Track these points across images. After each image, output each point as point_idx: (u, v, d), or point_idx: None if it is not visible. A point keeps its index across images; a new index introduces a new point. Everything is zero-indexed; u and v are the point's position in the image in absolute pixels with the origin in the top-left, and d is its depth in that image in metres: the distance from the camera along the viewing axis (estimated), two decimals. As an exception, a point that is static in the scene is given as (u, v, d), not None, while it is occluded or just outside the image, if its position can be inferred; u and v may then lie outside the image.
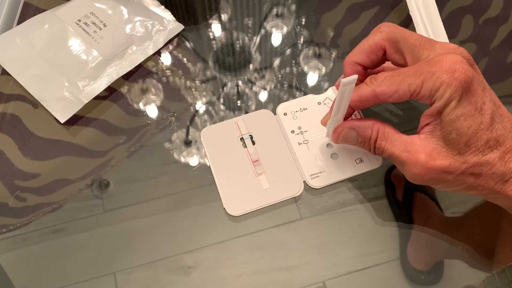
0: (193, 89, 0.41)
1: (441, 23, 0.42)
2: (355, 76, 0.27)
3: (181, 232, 0.34)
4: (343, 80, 0.27)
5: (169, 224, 0.35)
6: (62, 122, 0.38)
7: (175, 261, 0.33)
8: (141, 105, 0.40)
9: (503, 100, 0.30)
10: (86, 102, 0.38)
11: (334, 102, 0.32)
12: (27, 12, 0.44)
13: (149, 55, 0.41)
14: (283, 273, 0.33)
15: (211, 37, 0.44)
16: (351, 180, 0.36)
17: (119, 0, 0.42)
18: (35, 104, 0.39)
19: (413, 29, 0.43)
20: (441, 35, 0.42)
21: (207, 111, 0.39)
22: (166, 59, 0.42)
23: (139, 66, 0.41)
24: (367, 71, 0.34)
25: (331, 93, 0.39)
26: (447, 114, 0.27)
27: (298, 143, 0.36)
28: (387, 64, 0.35)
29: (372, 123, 0.31)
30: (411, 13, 0.43)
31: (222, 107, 0.40)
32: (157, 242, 0.34)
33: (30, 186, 0.36)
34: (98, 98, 0.39)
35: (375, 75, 0.30)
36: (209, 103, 0.40)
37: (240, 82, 0.41)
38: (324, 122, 0.35)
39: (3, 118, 0.39)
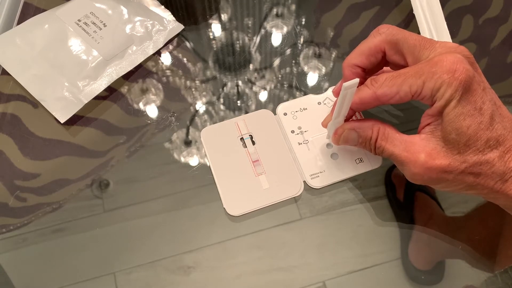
0: (193, 89, 0.41)
1: (445, 23, 0.42)
2: (357, 80, 0.27)
3: (181, 232, 0.34)
4: (345, 84, 0.27)
5: (169, 224, 0.35)
6: (62, 122, 0.38)
7: (175, 261, 0.33)
8: (141, 105, 0.40)
9: (503, 100, 0.30)
10: (86, 102, 0.38)
11: (334, 104, 0.32)
12: (27, 12, 0.44)
13: (149, 55, 0.41)
14: (283, 273, 0.33)
15: (211, 37, 0.44)
16: (351, 180, 0.36)
17: (119, 0, 0.42)
18: (35, 104, 0.39)
19: (414, 29, 0.43)
20: (444, 35, 0.42)
21: (207, 111, 0.39)
22: (166, 59, 0.42)
23: (139, 66, 0.41)
24: (365, 73, 0.34)
25: (331, 93, 0.39)
26: (447, 114, 0.27)
27: (298, 143, 0.36)
28: (387, 68, 0.35)
29: (372, 124, 0.31)
30: (414, 12, 0.43)
31: (222, 107, 0.40)
32: (157, 242, 0.34)
33: (30, 186, 0.36)
34: (98, 98, 0.39)
35: (375, 77, 0.30)
36: (209, 103, 0.40)
37: (240, 82, 0.41)
38: (325, 124, 0.35)
39: (3, 118, 0.39)
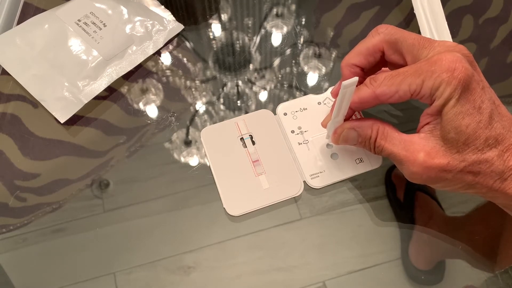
0: (193, 89, 0.41)
1: (445, 22, 0.42)
2: (356, 79, 0.27)
3: (181, 232, 0.34)
4: (344, 83, 0.27)
5: (169, 224, 0.35)
6: (62, 122, 0.38)
7: (175, 261, 0.33)
8: (141, 105, 0.40)
9: (503, 100, 0.30)
10: (86, 102, 0.38)
11: (334, 104, 0.32)
12: (27, 12, 0.44)
13: (149, 55, 0.41)
14: (283, 273, 0.33)
15: (211, 37, 0.44)
16: (351, 180, 0.36)
17: (119, 0, 0.42)
18: (35, 104, 0.39)
19: (414, 29, 0.43)
20: (445, 34, 0.42)
21: (207, 111, 0.39)
22: (166, 59, 0.42)
23: (139, 66, 0.41)
24: (364, 72, 0.34)
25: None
26: (446, 113, 0.27)
27: (298, 143, 0.36)
28: (385, 69, 0.35)
29: (372, 123, 0.31)
30: (415, 11, 0.43)
31: (222, 107, 0.40)
32: (157, 242, 0.34)
33: (30, 186, 0.36)
34: (98, 98, 0.39)
35: (374, 76, 0.30)
36: (209, 103, 0.40)
37: (240, 82, 0.41)
38: (324, 124, 0.35)
39: (3, 118, 0.39)
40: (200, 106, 0.40)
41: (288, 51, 0.43)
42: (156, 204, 0.36)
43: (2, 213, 0.35)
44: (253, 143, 0.37)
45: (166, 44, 0.42)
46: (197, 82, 0.41)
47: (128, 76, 0.41)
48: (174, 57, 0.42)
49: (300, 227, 0.35)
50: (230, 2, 0.46)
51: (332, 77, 0.41)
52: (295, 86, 0.41)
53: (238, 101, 0.40)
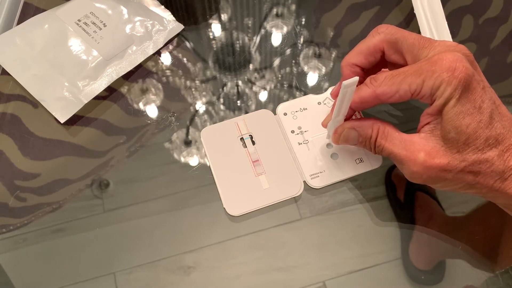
0: (193, 89, 0.41)
1: (445, 22, 0.42)
2: (356, 78, 0.27)
3: (181, 232, 0.34)
4: (344, 82, 0.27)
5: (169, 224, 0.35)
6: (62, 122, 0.38)
7: (175, 261, 0.33)
8: (141, 105, 0.40)
9: (503, 100, 0.30)
10: (86, 102, 0.38)
11: (334, 103, 0.32)
12: (27, 12, 0.44)
13: (149, 55, 0.41)
14: (283, 273, 0.33)
15: (211, 37, 0.44)
16: (351, 180, 0.36)
17: (119, 0, 0.42)
18: (35, 104, 0.39)
19: (415, 29, 0.43)
20: (445, 34, 0.42)
21: (207, 111, 0.39)
22: (166, 59, 0.42)
23: (139, 66, 0.41)
24: (364, 72, 0.34)
25: (331, 93, 0.39)
26: (446, 113, 0.27)
27: (298, 143, 0.36)
28: (385, 70, 0.35)
29: (372, 122, 0.31)
30: (415, 11, 0.43)
31: (222, 107, 0.40)
32: (157, 242, 0.34)
33: (30, 186, 0.36)
34: (98, 98, 0.39)
35: (375, 75, 0.30)
36: (209, 103, 0.40)
37: (240, 82, 0.41)
38: (325, 124, 0.34)
39: (3, 118, 0.39)
40: (200, 106, 0.40)
41: (288, 51, 0.43)
42: (156, 204, 0.36)
43: (2, 213, 0.35)
44: (253, 143, 0.37)
45: (166, 44, 0.42)
46: (197, 82, 0.41)
47: (128, 76, 0.41)
48: (174, 57, 0.42)
49: (300, 227, 0.35)
50: (230, 2, 0.46)
51: (332, 77, 0.41)
52: (295, 86, 0.41)
53: (238, 101, 0.40)
